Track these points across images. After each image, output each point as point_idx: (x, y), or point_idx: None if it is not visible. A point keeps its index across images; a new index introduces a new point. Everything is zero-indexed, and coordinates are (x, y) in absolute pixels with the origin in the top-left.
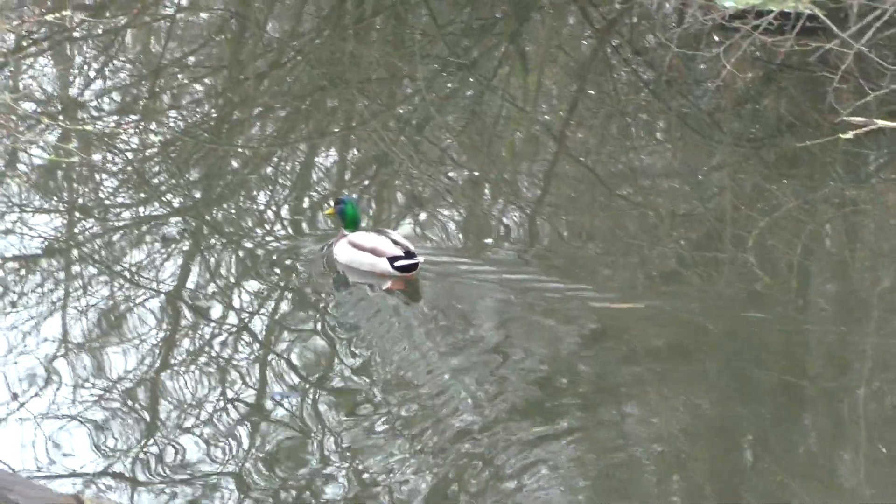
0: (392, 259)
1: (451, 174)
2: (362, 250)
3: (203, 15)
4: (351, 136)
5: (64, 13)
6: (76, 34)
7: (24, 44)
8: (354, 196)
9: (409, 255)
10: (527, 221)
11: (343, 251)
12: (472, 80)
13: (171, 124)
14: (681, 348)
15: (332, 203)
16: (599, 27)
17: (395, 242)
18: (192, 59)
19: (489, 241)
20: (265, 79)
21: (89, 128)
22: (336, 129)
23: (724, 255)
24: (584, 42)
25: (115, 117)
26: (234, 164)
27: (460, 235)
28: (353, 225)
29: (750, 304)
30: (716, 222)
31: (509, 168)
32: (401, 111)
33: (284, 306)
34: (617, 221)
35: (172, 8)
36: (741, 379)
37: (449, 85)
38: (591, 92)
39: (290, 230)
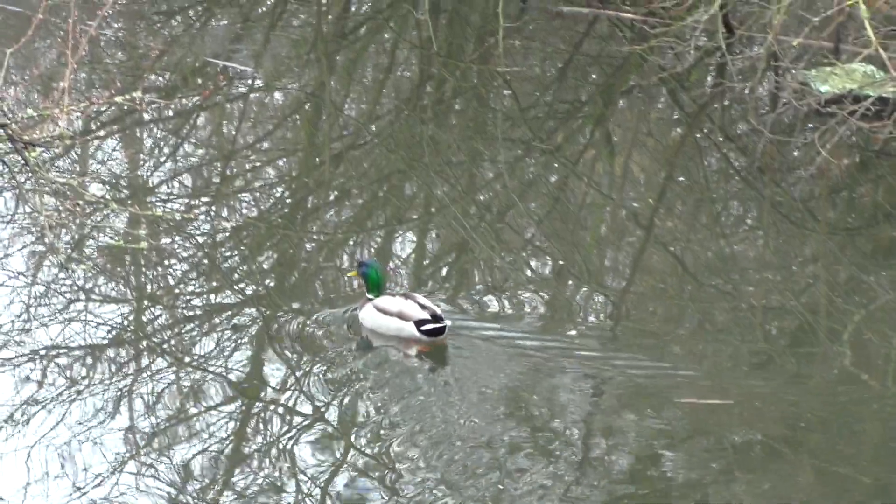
0: (419, 323)
1: (533, 262)
2: (388, 315)
3: (277, 95)
4: (429, 222)
5: (135, 94)
6: (146, 116)
7: (94, 126)
8: (375, 260)
9: (435, 318)
10: (611, 311)
11: (368, 316)
12: (555, 164)
13: (243, 209)
14: (770, 446)
15: (356, 265)
16: (689, 112)
17: (422, 306)
18: (265, 141)
19: (573, 332)
20: (341, 162)
21: (158, 213)
22: (415, 216)
23: (817, 349)
24: (674, 127)
25: (186, 201)
26: (309, 250)
27: (541, 324)
28: (377, 289)
29: (846, 401)
30: (809, 315)
31: (594, 256)
32: (481, 197)
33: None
34: (706, 313)
35: (245, 88)
36: (834, 479)
37: (532, 170)
38: (681, 179)
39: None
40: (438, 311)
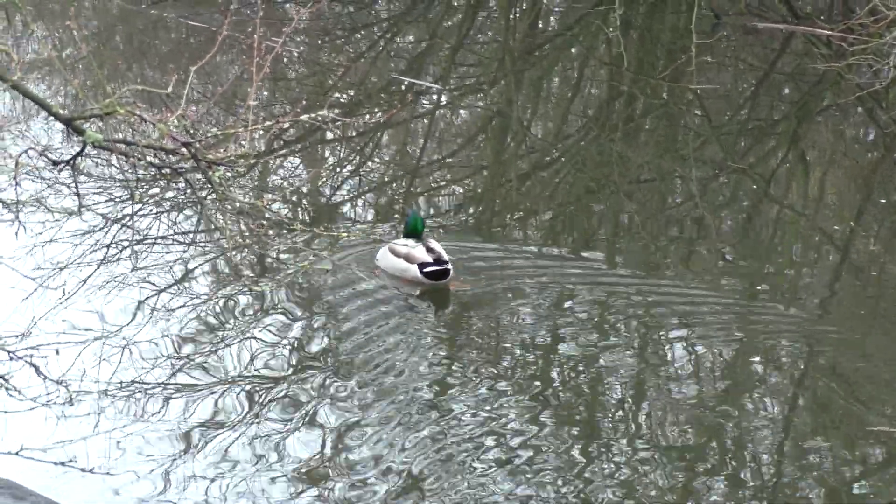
0: (422, 265)
1: (723, 281)
2: (398, 256)
3: (463, 113)
4: (617, 243)
5: (320, 113)
6: (329, 134)
7: (276, 144)
8: (419, 211)
9: (438, 261)
10: (809, 339)
11: (381, 256)
12: (748, 183)
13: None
14: None
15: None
16: (888, 131)
17: (430, 250)
18: (450, 159)
19: (759, 370)
20: (528, 181)
21: (343, 234)
22: (603, 236)
23: None
24: (871, 147)
25: (370, 221)
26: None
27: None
28: (412, 236)
29: None
30: None
31: (788, 279)
32: (672, 216)
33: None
34: None
35: (431, 105)
36: None
37: (725, 190)
38: (882, 201)
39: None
40: (444, 255)
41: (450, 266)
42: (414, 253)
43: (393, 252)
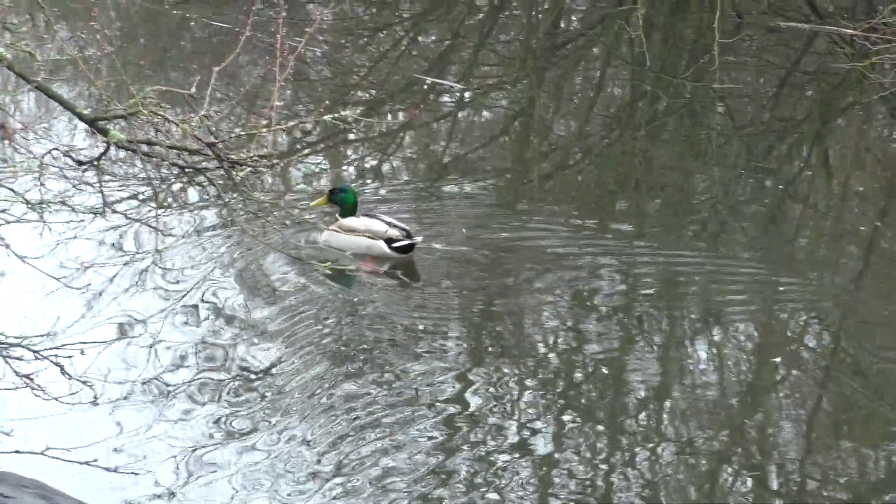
0: (389, 240)
1: (746, 280)
2: (356, 233)
3: (485, 112)
4: (639, 241)
5: (344, 113)
6: (351, 134)
7: (298, 144)
8: (348, 183)
9: (407, 235)
10: (834, 338)
11: (333, 237)
12: (769, 183)
13: (452, 226)
14: None
15: (328, 192)
16: None
17: (389, 224)
18: (473, 158)
19: (784, 368)
20: (550, 180)
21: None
22: (625, 231)
23: None
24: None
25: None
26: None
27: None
28: (351, 212)
29: None
30: None
31: (812, 278)
32: (694, 217)
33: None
34: None
35: (453, 105)
36: None
37: (747, 189)
38: None
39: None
40: (408, 228)
41: (419, 238)
42: (375, 227)
43: (347, 229)
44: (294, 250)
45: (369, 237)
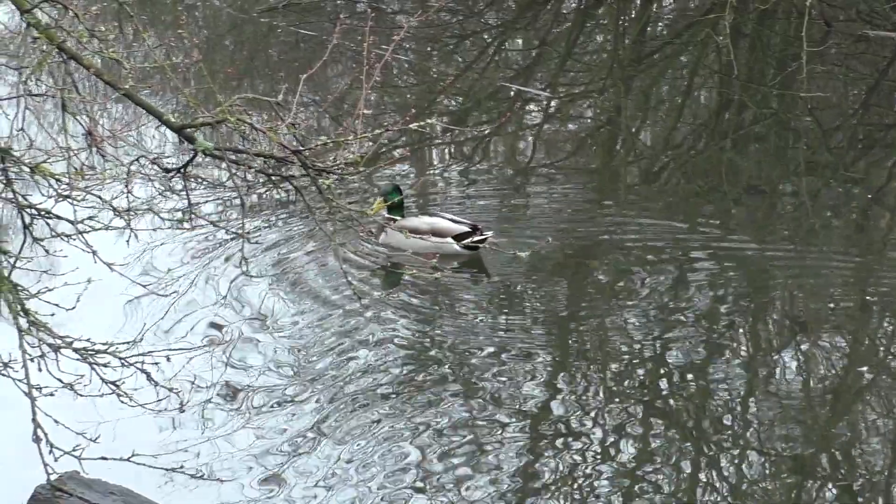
0: (459, 237)
1: (833, 288)
2: (421, 233)
3: (572, 123)
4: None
5: (430, 121)
6: (437, 142)
7: (383, 151)
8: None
9: (476, 230)
10: None
11: (396, 239)
12: (857, 191)
13: (534, 237)
14: None
15: (379, 195)
16: None
17: (455, 221)
18: (558, 167)
19: (871, 376)
20: (637, 188)
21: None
22: (710, 246)
23: None
24: None
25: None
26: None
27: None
28: (401, 210)
29: None
30: None
31: None
32: (782, 226)
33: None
34: None
35: (540, 113)
36: None
37: (835, 197)
38: None
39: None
40: (475, 223)
41: (490, 232)
42: (440, 226)
43: (412, 230)
44: (378, 258)
45: (436, 236)
